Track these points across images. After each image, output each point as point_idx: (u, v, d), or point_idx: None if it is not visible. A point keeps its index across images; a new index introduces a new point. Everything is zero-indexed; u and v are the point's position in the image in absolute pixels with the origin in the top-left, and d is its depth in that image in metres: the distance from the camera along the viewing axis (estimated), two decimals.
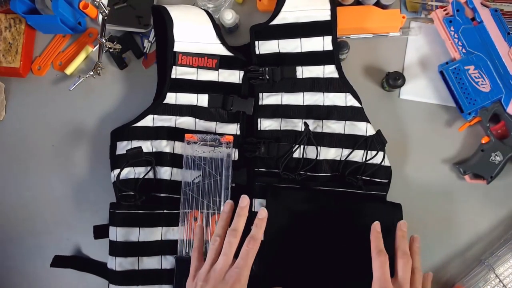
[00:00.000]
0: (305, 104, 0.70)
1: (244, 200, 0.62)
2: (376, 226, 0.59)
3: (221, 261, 0.56)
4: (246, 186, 0.68)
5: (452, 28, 0.71)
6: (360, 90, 0.70)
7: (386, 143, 0.67)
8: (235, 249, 0.58)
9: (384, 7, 0.76)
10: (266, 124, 0.70)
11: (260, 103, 0.71)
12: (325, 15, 0.70)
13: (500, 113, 0.69)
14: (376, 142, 0.67)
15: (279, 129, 0.70)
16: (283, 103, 0.71)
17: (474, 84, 0.69)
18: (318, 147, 0.67)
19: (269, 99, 0.71)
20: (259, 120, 0.71)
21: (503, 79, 0.69)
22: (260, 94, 0.71)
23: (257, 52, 0.72)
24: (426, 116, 0.74)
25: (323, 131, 0.69)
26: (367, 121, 0.68)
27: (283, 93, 0.71)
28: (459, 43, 0.70)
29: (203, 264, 0.58)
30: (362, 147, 0.67)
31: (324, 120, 0.69)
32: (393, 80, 0.71)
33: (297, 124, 0.69)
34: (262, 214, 0.61)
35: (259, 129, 0.70)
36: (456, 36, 0.70)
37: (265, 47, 0.72)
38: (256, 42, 0.72)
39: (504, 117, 0.69)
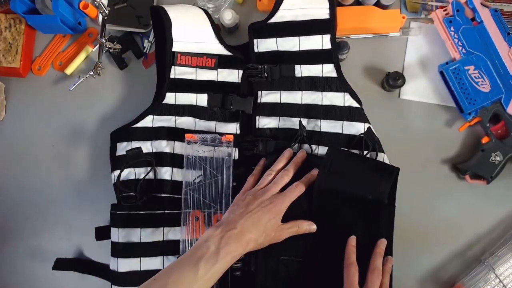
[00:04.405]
0: (303, 103, 0.70)
1: (302, 152, 0.66)
2: (351, 241, 0.61)
3: (271, 187, 0.62)
4: None
5: (452, 28, 0.71)
6: (360, 90, 0.70)
7: (378, 140, 0.67)
8: (284, 184, 0.63)
9: (384, 7, 0.76)
10: (264, 122, 0.70)
11: (258, 101, 0.71)
12: (324, 14, 0.70)
13: (500, 113, 0.69)
14: (368, 139, 0.66)
15: (277, 127, 0.70)
16: (281, 102, 0.71)
17: (474, 84, 0.69)
18: (315, 146, 0.68)
19: (267, 97, 0.71)
20: (257, 118, 0.71)
21: (503, 79, 0.69)
22: (259, 92, 0.71)
23: (255, 50, 0.72)
24: (426, 116, 0.74)
25: (320, 131, 0.69)
26: (366, 121, 0.68)
27: (281, 91, 0.71)
28: (459, 43, 0.70)
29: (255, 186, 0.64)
30: (358, 147, 0.67)
31: (321, 120, 0.69)
32: (393, 80, 0.71)
33: (295, 123, 0.69)
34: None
35: (257, 127, 0.70)
36: (456, 36, 0.70)
37: (263, 45, 0.72)
38: (255, 40, 0.72)
39: (504, 117, 0.69)
